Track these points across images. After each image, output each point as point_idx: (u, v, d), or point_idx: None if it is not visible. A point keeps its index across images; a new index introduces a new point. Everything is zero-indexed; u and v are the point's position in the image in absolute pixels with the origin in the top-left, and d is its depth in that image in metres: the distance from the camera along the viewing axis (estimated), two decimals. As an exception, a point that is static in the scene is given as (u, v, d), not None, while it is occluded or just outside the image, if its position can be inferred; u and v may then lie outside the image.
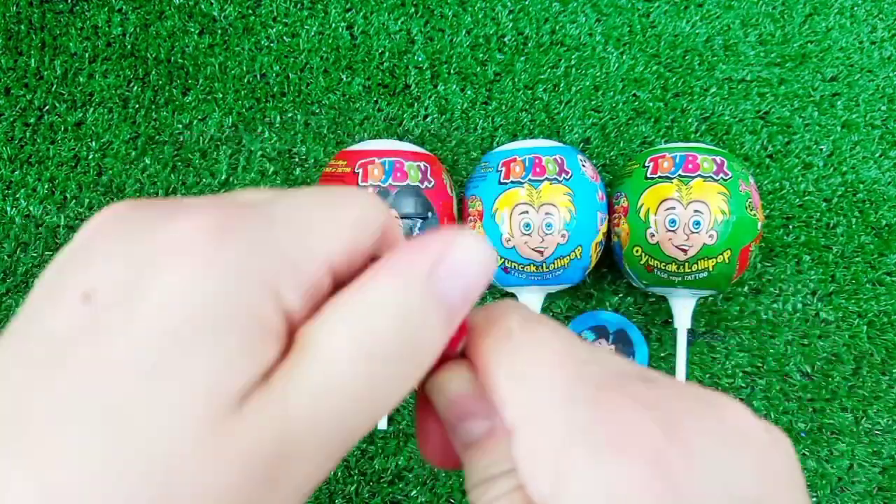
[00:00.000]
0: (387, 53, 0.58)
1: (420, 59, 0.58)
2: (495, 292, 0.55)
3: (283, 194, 0.16)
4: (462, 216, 0.52)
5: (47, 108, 0.57)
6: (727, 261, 0.47)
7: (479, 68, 0.58)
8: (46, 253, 0.55)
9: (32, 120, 0.57)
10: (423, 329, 0.15)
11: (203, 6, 0.59)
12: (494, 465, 0.17)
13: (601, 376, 0.17)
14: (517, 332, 0.17)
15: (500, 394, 0.17)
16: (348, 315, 0.15)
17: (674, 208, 0.46)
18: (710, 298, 0.54)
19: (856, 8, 0.58)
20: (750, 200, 0.47)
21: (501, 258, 0.49)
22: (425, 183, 0.48)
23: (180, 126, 0.57)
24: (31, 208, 0.56)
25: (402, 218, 0.47)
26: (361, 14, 0.59)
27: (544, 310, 0.54)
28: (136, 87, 0.58)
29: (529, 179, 0.48)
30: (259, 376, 0.13)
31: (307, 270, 0.15)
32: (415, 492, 0.52)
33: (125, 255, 0.14)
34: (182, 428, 0.12)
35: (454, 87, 0.58)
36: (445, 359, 0.18)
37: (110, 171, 0.57)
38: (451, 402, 0.18)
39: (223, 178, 0.56)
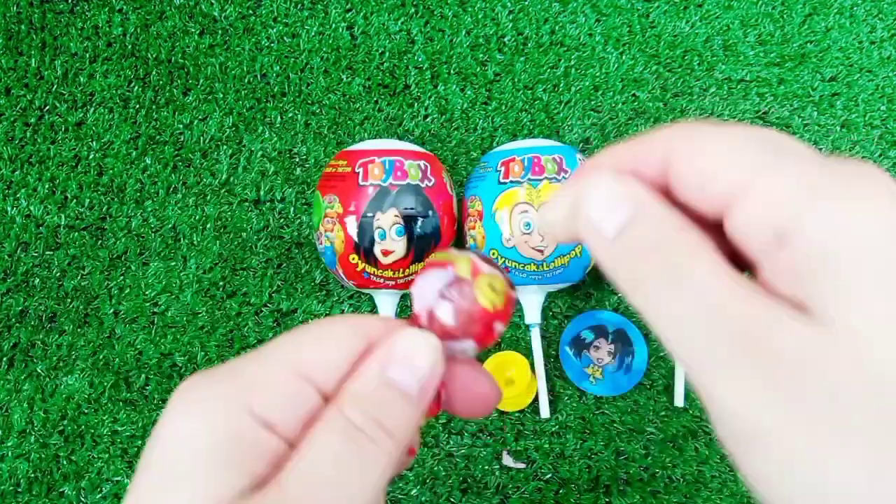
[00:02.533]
0: (387, 54, 0.58)
1: (420, 59, 0.58)
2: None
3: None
4: (462, 216, 0.52)
5: (48, 107, 0.58)
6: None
7: (479, 68, 0.58)
8: (47, 253, 0.55)
9: (33, 120, 0.57)
10: (390, 408, 0.20)
11: (203, 6, 0.59)
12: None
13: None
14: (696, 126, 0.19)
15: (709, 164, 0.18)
16: (326, 420, 0.20)
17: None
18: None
19: (855, 8, 0.59)
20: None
21: (502, 257, 0.49)
22: (425, 181, 0.48)
23: (181, 126, 0.57)
24: (31, 208, 0.56)
25: (402, 216, 0.47)
26: (361, 14, 0.59)
27: (544, 309, 0.54)
28: (136, 87, 0.58)
29: (528, 179, 0.48)
30: (251, 480, 0.18)
31: (275, 385, 0.19)
32: (415, 491, 0.52)
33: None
34: None
35: (454, 87, 0.58)
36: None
37: (111, 171, 0.57)
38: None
39: (223, 177, 0.56)
